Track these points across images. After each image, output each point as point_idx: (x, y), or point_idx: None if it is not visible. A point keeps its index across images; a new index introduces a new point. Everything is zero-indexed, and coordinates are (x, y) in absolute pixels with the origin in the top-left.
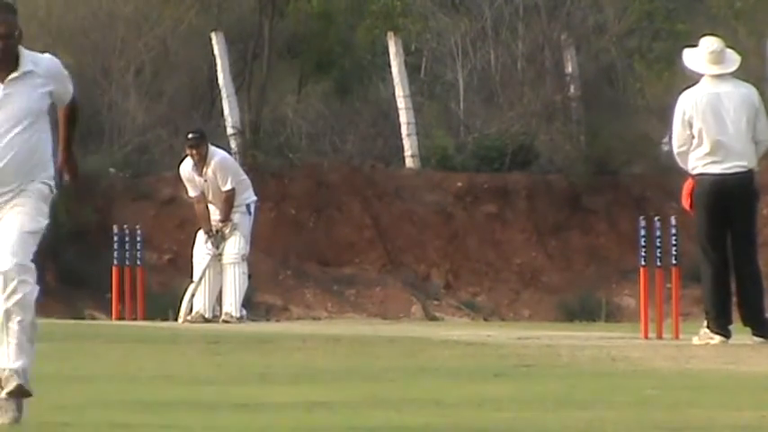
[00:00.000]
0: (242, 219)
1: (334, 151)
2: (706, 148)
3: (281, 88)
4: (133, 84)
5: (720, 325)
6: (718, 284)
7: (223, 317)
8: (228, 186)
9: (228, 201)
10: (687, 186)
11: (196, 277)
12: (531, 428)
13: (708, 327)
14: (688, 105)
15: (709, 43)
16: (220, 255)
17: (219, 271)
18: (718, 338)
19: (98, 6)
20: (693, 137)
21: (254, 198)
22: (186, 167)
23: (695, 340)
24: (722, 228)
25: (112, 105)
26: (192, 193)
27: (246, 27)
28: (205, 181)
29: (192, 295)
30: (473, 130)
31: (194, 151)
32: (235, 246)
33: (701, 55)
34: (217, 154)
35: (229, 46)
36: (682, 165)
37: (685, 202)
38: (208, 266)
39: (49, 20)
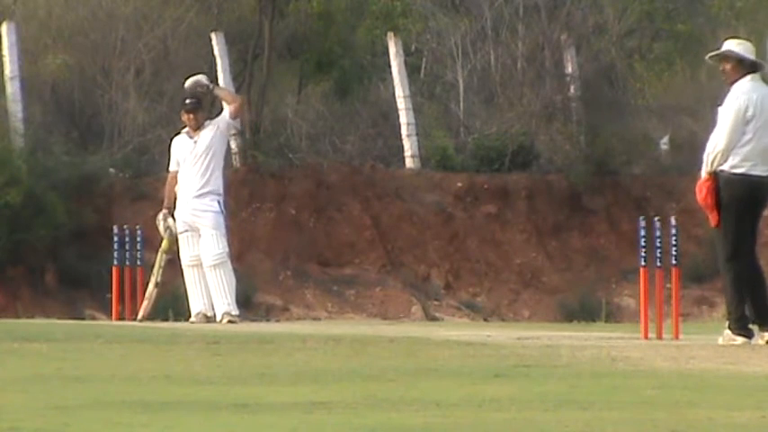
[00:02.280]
0: (216, 218)
1: (334, 151)
2: (756, 148)
3: (281, 88)
4: (133, 84)
5: (742, 326)
6: (741, 285)
7: (227, 318)
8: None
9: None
10: (709, 185)
11: (187, 279)
12: (531, 428)
13: (729, 328)
14: (751, 102)
15: (748, 44)
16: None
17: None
18: (741, 339)
19: (98, 6)
20: (744, 134)
21: (222, 195)
22: (181, 137)
23: (720, 341)
24: (751, 228)
25: (112, 105)
26: (173, 167)
27: (246, 27)
28: (195, 142)
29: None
30: (473, 131)
31: (191, 116)
32: (215, 247)
33: (749, 51)
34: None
35: (229, 46)
36: (718, 163)
37: (705, 200)
38: (193, 266)
39: (49, 20)
